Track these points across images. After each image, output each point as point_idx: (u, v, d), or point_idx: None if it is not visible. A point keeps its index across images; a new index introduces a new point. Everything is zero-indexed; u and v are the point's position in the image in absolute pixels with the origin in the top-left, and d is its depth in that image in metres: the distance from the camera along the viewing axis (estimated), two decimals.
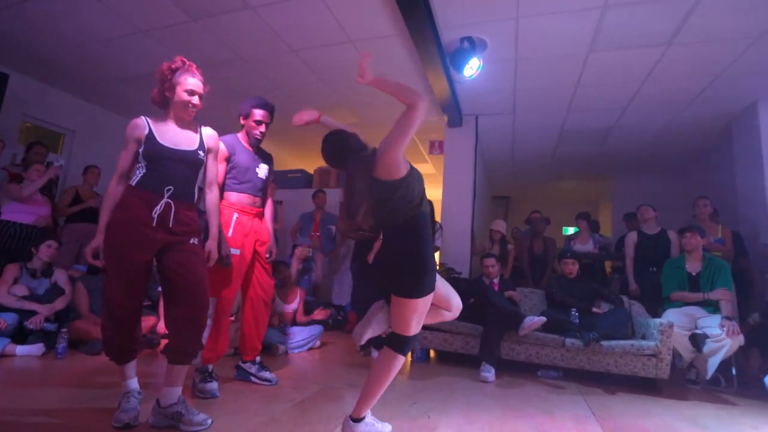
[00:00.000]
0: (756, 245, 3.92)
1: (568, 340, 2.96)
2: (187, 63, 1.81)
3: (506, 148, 6.23)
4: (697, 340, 2.91)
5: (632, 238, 3.97)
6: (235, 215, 2.28)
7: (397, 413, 2.03)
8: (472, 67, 3.61)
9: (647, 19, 3.09)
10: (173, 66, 1.78)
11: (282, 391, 2.28)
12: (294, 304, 3.79)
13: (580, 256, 4.02)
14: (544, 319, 2.93)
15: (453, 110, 4.71)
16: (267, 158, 2.50)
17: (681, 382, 3.13)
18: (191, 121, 1.88)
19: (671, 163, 6.28)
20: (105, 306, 1.69)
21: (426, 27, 3.14)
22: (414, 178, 1.67)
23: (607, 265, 5.09)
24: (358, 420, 1.63)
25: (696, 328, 3.10)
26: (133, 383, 1.77)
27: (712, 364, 2.93)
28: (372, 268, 1.70)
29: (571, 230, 7.47)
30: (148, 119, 1.79)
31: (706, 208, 3.89)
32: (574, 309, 3.20)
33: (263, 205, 2.47)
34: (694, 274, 3.28)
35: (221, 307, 2.23)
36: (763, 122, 4.12)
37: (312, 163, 6.70)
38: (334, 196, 5.64)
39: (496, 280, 3.68)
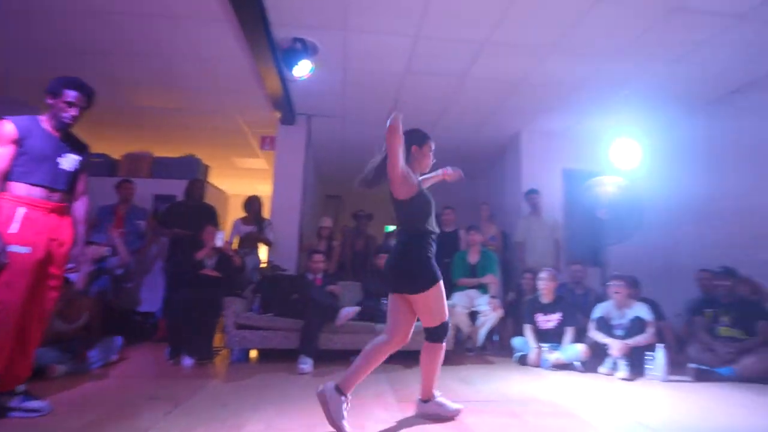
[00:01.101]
0: (511, 242, 5.12)
1: (378, 326, 3.33)
2: None
3: (337, 150, 6.56)
4: (472, 316, 3.67)
5: None
6: (22, 210, 1.88)
7: (204, 418, 1.95)
8: (303, 69, 3.69)
9: (448, 54, 3.72)
10: None
11: (56, 420, 1.91)
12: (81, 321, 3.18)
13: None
14: (357, 308, 3.23)
15: (286, 108, 4.72)
16: (78, 147, 2.11)
17: (462, 351, 3.87)
18: None
19: (468, 172, 7.63)
20: None
21: (257, 19, 3.09)
22: (421, 203, 2.00)
23: None
24: (427, 401, 2.04)
25: (473, 306, 3.89)
26: None
27: (482, 334, 3.74)
28: (383, 276, 2.08)
29: (392, 228, 8.34)
30: None
31: (486, 211, 4.92)
32: (384, 298, 3.62)
33: (68, 200, 2.07)
34: (473, 263, 4.11)
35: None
36: (523, 147, 5.43)
37: (117, 147, 5.72)
38: (147, 188, 4.97)
39: (320, 276, 3.87)
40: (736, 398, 2.59)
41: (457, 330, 3.79)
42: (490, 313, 3.68)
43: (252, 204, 4.54)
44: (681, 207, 4.64)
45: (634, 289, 3.78)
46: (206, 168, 5.87)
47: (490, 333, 3.90)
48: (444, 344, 2.05)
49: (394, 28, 3.39)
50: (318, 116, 5.22)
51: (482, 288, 4.00)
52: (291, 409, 2.15)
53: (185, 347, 3.12)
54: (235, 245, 4.42)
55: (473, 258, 4.14)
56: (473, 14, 3.17)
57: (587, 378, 3.10)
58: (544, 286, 3.63)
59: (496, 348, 3.96)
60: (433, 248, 2.05)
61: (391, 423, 1.97)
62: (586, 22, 3.20)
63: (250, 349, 3.52)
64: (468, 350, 3.87)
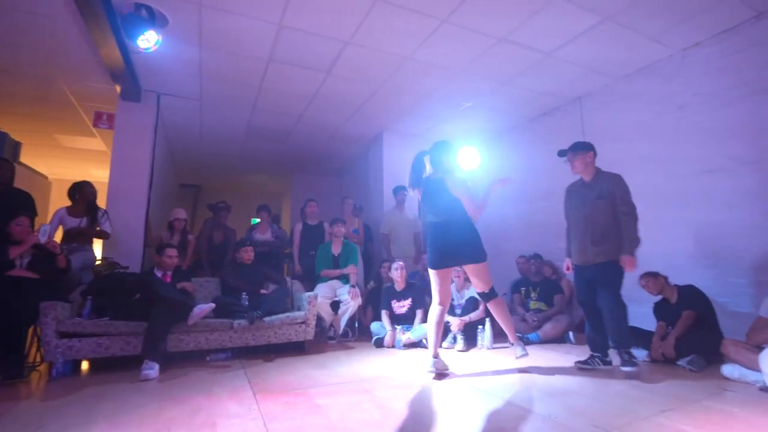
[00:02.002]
0: (378, 234, 5.48)
1: (236, 322, 3.22)
2: None
3: (195, 135, 6.01)
4: (334, 305, 3.82)
5: (298, 228, 4.74)
6: None
7: None
8: (148, 40, 3.30)
9: (313, 48, 3.75)
10: None
11: None
12: None
13: (257, 244, 4.42)
14: (212, 305, 3.07)
15: (128, 82, 4.14)
16: None
17: (323, 339, 4.00)
18: None
19: (335, 167, 7.83)
20: None
21: None
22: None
23: None
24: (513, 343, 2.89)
25: (336, 296, 4.05)
26: None
27: (343, 321, 3.92)
28: (445, 251, 2.74)
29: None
30: None
31: (349, 205, 5.13)
32: (245, 292, 3.51)
33: None
34: (336, 255, 4.27)
35: None
36: (385, 147, 5.81)
37: None
38: None
39: (169, 272, 3.53)
40: (541, 356, 3.28)
41: (320, 319, 3.90)
42: (350, 301, 3.89)
43: (81, 191, 3.83)
44: (507, 204, 5.59)
45: None
46: (17, 145, 4.76)
47: (351, 320, 4.12)
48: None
49: (257, 13, 3.27)
50: (170, 96, 4.70)
51: (344, 278, 4.18)
52: (130, 419, 1.95)
53: None
54: (57, 239, 3.71)
55: (336, 249, 4.30)
56: (336, 13, 3.27)
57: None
58: (397, 275, 4.00)
59: (357, 334, 4.20)
60: None
61: (244, 417, 1.95)
62: (433, 40, 3.60)
63: (79, 360, 3.03)
64: (330, 338, 4.02)
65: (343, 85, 4.46)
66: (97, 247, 4.12)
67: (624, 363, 2.61)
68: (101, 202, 4.09)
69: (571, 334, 3.89)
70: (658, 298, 3.24)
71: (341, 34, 3.56)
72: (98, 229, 3.76)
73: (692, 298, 3.02)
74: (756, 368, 2.22)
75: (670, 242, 3.70)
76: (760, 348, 2.29)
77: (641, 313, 3.58)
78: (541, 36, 3.57)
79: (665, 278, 3.21)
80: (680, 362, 2.82)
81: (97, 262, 3.75)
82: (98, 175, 7.82)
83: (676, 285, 3.18)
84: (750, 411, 1.96)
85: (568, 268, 3.09)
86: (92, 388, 2.50)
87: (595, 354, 2.86)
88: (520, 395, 2.27)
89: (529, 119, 5.39)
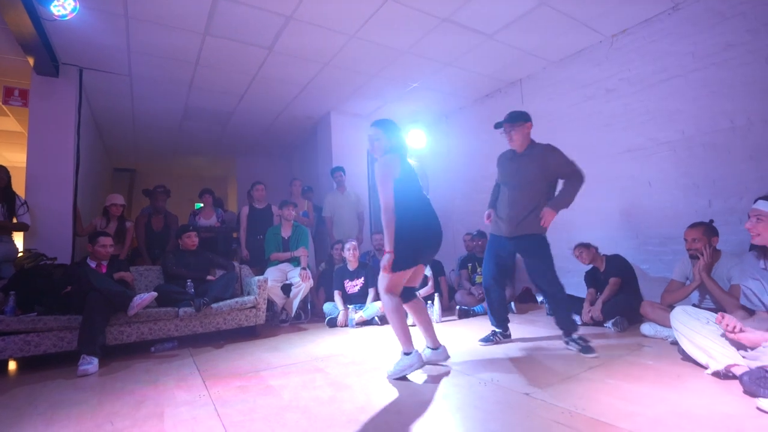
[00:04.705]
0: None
1: (182, 310, 3.10)
2: None
3: (126, 114, 5.56)
4: (285, 289, 3.79)
5: (245, 212, 4.60)
6: None
7: None
8: (64, 6, 2.99)
9: (252, 22, 3.57)
10: None
11: None
12: None
13: (200, 229, 4.24)
14: (154, 294, 2.93)
15: (42, 54, 3.71)
16: None
17: (276, 323, 3.97)
18: None
19: (282, 148, 7.61)
20: None
21: None
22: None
23: None
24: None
25: (286, 279, 4.01)
26: None
27: (295, 304, 3.91)
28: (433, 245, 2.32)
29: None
30: None
31: (297, 187, 5.04)
32: (190, 279, 3.38)
33: None
34: (286, 238, 4.21)
35: None
36: (333, 128, 5.73)
37: None
38: None
39: (105, 262, 3.30)
40: (485, 327, 3.47)
41: (271, 303, 3.86)
42: (301, 284, 3.87)
43: None
44: (455, 183, 5.77)
45: None
46: None
47: (304, 302, 4.11)
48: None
49: None
50: (94, 71, 4.29)
51: (295, 261, 4.14)
52: (68, 416, 1.84)
53: None
54: None
55: (286, 232, 4.23)
56: None
57: (384, 329, 3.63)
58: (351, 255, 4.02)
59: (310, 316, 4.21)
60: None
61: (193, 404, 1.92)
62: (377, 18, 3.56)
63: (5, 360, 2.77)
64: (282, 321, 3.99)
65: (286, 63, 4.31)
66: (18, 238, 3.75)
67: (584, 350, 2.47)
68: (19, 189, 3.71)
69: (512, 304, 4.16)
70: (589, 267, 3.54)
71: (283, 9, 3.42)
72: (15, 221, 3.42)
73: (618, 265, 3.34)
74: (668, 325, 2.51)
75: (599, 217, 4.03)
76: (671, 307, 2.59)
77: (574, 282, 3.91)
78: (483, 18, 3.65)
79: (596, 248, 3.51)
80: (606, 324, 3.12)
81: (20, 255, 3.42)
82: (13, 158, 7.04)
83: (604, 255, 3.49)
84: (662, 362, 2.23)
85: (488, 217, 2.93)
86: (22, 388, 2.32)
87: (498, 330, 2.90)
88: (465, 364, 2.41)
89: (473, 100, 5.54)
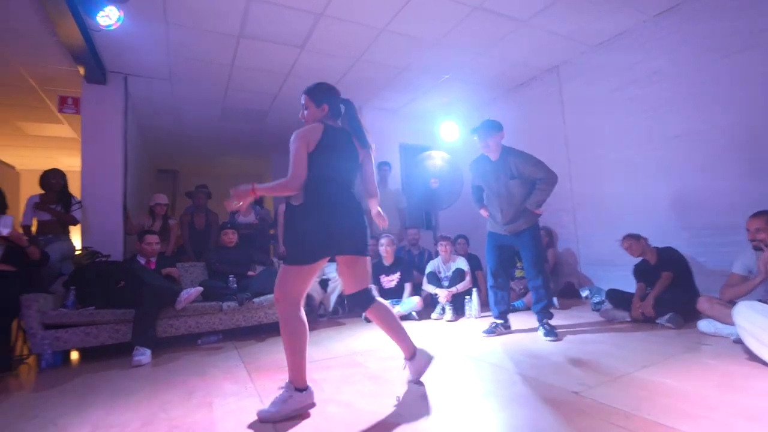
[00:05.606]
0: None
1: (225, 304, 3.21)
2: None
3: (169, 118, 5.80)
4: (323, 284, 3.84)
5: (281, 209, 4.67)
6: None
7: None
8: (109, 17, 3.13)
9: (284, 21, 3.61)
10: None
11: None
12: None
13: (240, 226, 4.36)
14: (200, 289, 3.05)
15: (91, 63, 3.92)
16: None
17: (315, 317, 4.03)
18: None
19: None
20: None
21: None
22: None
23: None
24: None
25: (324, 275, 4.06)
26: None
27: (333, 299, 3.95)
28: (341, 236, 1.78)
29: None
30: None
31: None
32: (232, 275, 3.49)
33: None
34: None
35: None
36: (365, 123, 5.71)
37: None
38: None
39: (153, 259, 3.47)
40: (526, 321, 3.38)
41: (310, 298, 3.92)
42: (338, 279, 3.91)
43: (51, 179, 3.70)
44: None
45: (463, 246, 4.52)
46: None
47: (341, 298, 4.16)
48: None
49: None
50: (138, 76, 4.49)
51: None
52: (126, 404, 1.95)
53: None
54: (33, 229, 3.60)
55: None
56: None
57: (422, 324, 3.61)
58: (385, 250, 4.02)
59: (347, 311, 4.25)
60: None
61: (240, 395, 1.98)
62: (408, 9, 3.51)
63: (68, 350, 2.99)
64: (320, 316, 4.05)
65: (318, 61, 4.34)
66: (75, 236, 4.00)
67: (547, 333, 2.77)
68: (75, 191, 3.95)
69: (555, 299, 4.02)
70: (638, 260, 3.36)
71: (313, 6, 3.44)
72: (67, 215, 3.66)
73: (671, 259, 3.14)
74: (729, 322, 2.33)
75: (649, 206, 3.82)
76: (732, 303, 2.41)
77: (621, 276, 3.73)
78: (516, 3, 3.52)
79: (646, 240, 3.32)
80: (659, 320, 2.95)
81: (77, 252, 3.66)
82: (69, 163, 7.51)
83: (655, 247, 3.30)
84: (725, 361, 2.07)
85: (486, 212, 3.14)
86: (84, 377, 2.48)
87: (499, 321, 3.03)
88: (508, 360, 2.35)
89: (508, 90, 5.37)
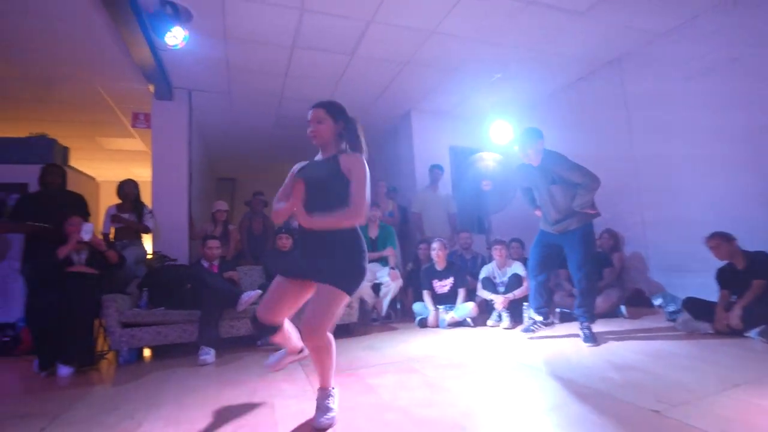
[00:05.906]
0: (410, 214, 5.42)
1: None
2: None
3: (227, 128, 6.12)
4: (375, 288, 3.84)
5: None
6: None
7: (90, 425, 1.77)
8: (176, 36, 3.35)
9: (335, 30, 3.69)
10: None
11: None
12: None
13: (294, 232, 4.48)
14: (259, 291, 3.15)
15: (160, 80, 4.24)
16: None
17: (368, 321, 4.05)
18: None
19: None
20: None
21: None
22: None
23: None
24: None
25: (376, 279, 4.07)
26: None
27: (385, 303, 3.95)
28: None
29: None
30: None
31: (383, 188, 5.10)
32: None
33: None
34: (373, 238, 4.28)
35: None
36: (415, 126, 5.70)
37: None
38: None
39: (216, 263, 3.65)
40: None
41: (363, 302, 3.94)
42: (390, 283, 3.90)
43: (126, 188, 4.02)
44: None
45: (517, 250, 4.34)
46: (65, 150, 5.00)
47: (393, 302, 4.14)
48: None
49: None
50: (200, 91, 4.79)
51: (383, 261, 4.19)
52: (194, 401, 2.05)
53: (59, 356, 2.72)
54: (111, 236, 3.92)
55: (373, 233, 4.30)
56: None
57: (478, 331, 3.50)
58: (437, 254, 3.95)
59: (400, 315, 4.23)
60: None
61: (300, 398, 2.01)
62: (458, 9, 3.44)
63: (141, 347, 3.22)
64: (373, 320, 4.06)
65: (368, 66, 4.38)
66: (147, 242, 4.32)
67: (587, 339, 2.76)
68: (147, 200, 4.27)
69: (623, 307, 3.74)
70: (722, 264, 3.03)
71: (363, 13, 3.47)
72: (141, 224, 3.94)
73: (764, 265, 2.79)
74: None
75: (733, 205, 3.44)
76: None
77: (698, 284, 3.39)
78: None
79: (736, 241, 2.97)
80: (749, 333, 2.64)
81: (149, 256, 3.94)
82: (141, 173, 8.14)
83: (745, 250, 2.95)
84: None
85: (539, 212, 3.13)
86: (156, 373, 2.65)
87: (537, 318, 3.06)
88: (572, 372, 2.20)
89: (564, 86, 5.11)
